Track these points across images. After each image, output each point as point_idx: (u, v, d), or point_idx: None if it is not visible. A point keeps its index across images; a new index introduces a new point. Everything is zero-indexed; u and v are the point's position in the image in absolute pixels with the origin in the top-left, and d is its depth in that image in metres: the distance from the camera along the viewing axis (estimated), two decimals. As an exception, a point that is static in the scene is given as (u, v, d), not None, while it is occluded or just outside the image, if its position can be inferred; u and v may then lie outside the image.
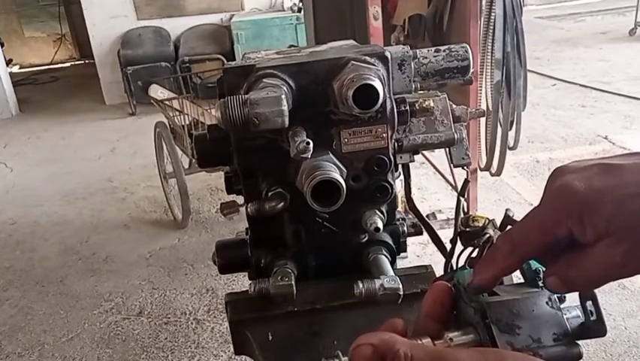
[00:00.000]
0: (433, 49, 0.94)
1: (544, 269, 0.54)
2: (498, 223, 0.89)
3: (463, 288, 0.53)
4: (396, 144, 0.91)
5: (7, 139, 6.37)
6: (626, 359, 2.30)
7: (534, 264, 0.56)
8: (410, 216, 1.06)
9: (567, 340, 0.50)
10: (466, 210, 3.46)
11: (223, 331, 2.70)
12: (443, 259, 1.06)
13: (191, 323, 2.80)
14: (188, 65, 6.69)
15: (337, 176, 0.77)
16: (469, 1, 2.85)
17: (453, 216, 1.05)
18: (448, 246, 1.07)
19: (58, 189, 4.70)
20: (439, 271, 1.02)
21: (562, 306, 0.52)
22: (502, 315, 0.50)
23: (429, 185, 3.95)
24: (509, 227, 0.58)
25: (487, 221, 0.83)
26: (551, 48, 8.01)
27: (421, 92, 0.94)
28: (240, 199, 0.95)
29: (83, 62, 10.40)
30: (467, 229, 0.84)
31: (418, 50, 0.93)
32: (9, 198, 4.69)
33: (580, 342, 0.52)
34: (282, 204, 0.85)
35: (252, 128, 0.73)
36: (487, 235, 0.88)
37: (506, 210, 0.78)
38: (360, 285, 0.79)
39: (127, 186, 4.60)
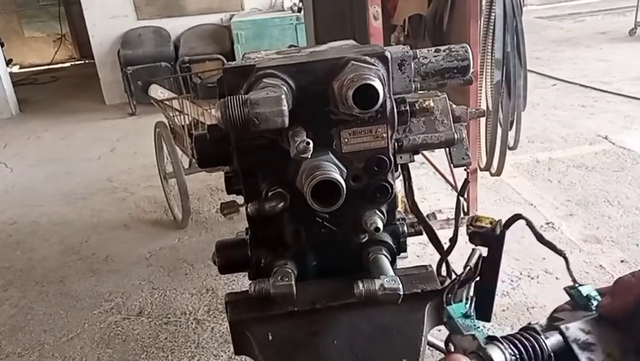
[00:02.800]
0: (433, 49, 0.94)
1: (595, 294, 0.59)
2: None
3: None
4: (396, 144, 0.91)
5: (7, 139, 6.37)
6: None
7: (585, 290, 0.60)
8: (410, 216, 1.06)
9: (633, 353, 0.54)
10: (466, 210, 3.48)
11: (223, 331, 2.70)
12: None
13: (191, 323, 2.80)
14: (188, 65, 6.67)
15: (337, 176, 0.77)
16: (469, 1, 2.85)
17: (453, 216, 1.05)
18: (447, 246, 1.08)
19: (58, 189, 4.70)
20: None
21: None
22: (578, 335, 0.56)
23: (429, 185, 3.95)
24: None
25: (494, 221, 0.83)
26: (551, 48, 8.01)
27: (421, 92, 0.94)
28: (240, 199, 0.95)
29: (83, 62, 10.40)
30: (480, 230, 0.84)
31: (418, 50, 0.93)
32: (9, 198, 4.69)
33: None
34: (282, 204, 0.85)
35: (252, 128, 0.73)
36: (478, 253, 0.88)
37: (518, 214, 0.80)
38: (360, 285, 0.79)
39: (127, 186, 4.60)
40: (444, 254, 1.02)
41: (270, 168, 0.86)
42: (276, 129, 0.75)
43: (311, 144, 0.74)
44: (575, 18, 10.13)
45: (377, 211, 0.89)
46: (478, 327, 0.58)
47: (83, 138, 6.15)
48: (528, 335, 0.55)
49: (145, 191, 4.45)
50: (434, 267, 0.97)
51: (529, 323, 0.60)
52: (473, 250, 0.92)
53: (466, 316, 0.60)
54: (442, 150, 0.99)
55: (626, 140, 4.48)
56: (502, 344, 0.54)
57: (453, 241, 1.03)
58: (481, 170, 3.18)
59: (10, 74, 7.97)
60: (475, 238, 0.87)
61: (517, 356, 0.53)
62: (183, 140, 3.59)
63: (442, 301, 0.90)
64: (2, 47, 7.88)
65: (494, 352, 0.52)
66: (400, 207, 2.66)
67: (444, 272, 1.05)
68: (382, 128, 0.85)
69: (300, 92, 0.82)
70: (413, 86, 0.90)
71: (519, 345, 0.54)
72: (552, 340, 0.55)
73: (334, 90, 0.80)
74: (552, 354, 0.54)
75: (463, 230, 1.01)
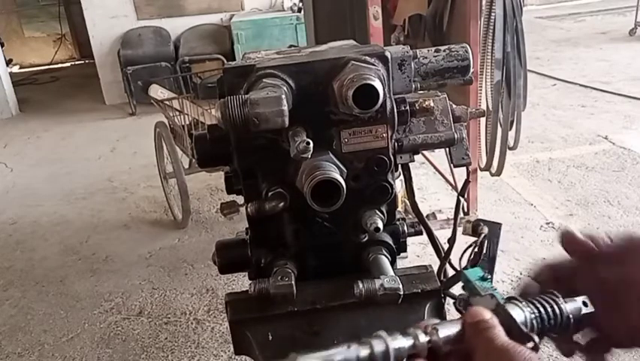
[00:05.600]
0: (433, 49, 0.94)
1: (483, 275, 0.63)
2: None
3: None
4: (396, 144, 0.91)
5: (7, 139, 6.36)
6: (626, 359, 2.30)
7: (472, 274, 0.61)
8: (410, 216, 1.06)
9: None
10: (466, 210, 3.49)
11: (223, 331, 2.70)
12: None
13: (191, 323, 2.80)
14: (188, 65, 6.69)
15: (337, 176, 0.77)
16: (469, 1, 2.85)
17: (453, 216, 1.06)
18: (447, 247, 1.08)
19: (58, 189, 4.70)
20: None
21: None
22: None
23: (429, 185, 3.95)
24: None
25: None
26: (551, 48, 8.01)
27: (421, 92, 0.94)
28: (240, 199, 0.95)
29: (83, 62, 10.40)
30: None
31: (418, 50, 0.93)
32: (9, 198, 4.69)
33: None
34: (282, 204, 0.85)
35: (252, 128, 0.73)
36: (483, 234, 0.91)
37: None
38: (360, 285, 0.79)
39: (127, 186, 4.59)
40: (444, 258, 1.03)
41: (270, 168, 0.86)
42: (276, 129, 0.75)
43: (311, 144, 0.74)
44: (575, 18, 10.13)
45: (377, 211, 0.89)
46: (495, 289, 0.58)
47: (83, 138, 6.15)
48: (547, 298, 0.55)
49: (145, 191, 4.45)
50: (434, 267, 0.97)
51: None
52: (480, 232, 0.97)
53: (483, 279, 0.60)
54: (442, 150, 0.99)
55: (626, 140, 4.48)
56: (521, 302, 0.54)
57: (452, 241, 1.03)
58: (481, 170, 3.18)
59: (10, 74, 7.97)
60: (477, 227, 0.91)
61: (537, 316, 0.53)
62: (183, 140, 3.59)
63: (441, 301, 0.90)
64: (2, 47, 7.87)
65: (514, 310, 0.53)
66: (400, 207, 2.66)
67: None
68: (382, 128, 0.85)
69: (300, 92, 0.82)
70: (413, 86, 0.90)
71: (538, 305, 0.54)
72: (571, 305, 0.55)
73: (334, 90, 0.80)
74: (570, 317, 0.54)
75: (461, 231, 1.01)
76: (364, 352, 0.49)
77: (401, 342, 0.50)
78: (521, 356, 0.47)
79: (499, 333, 0.50)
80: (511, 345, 0.48)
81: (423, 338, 0.51)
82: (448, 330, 0.52)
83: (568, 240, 0.62)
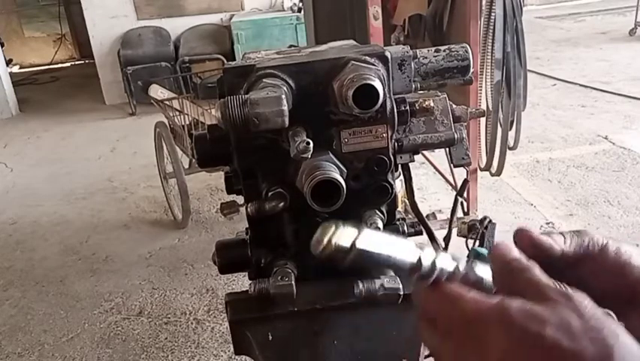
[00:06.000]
0: (433, 49, 0.94)
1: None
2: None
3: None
4: (396, 144, 0.91)
5: (7, 139, 6.36)
6: None
7: (481, 250, 0.60)
8: (410, 216, 1.06)
9: None
10: (466, 209, 3.49)
11: (223, 331, 2.70)
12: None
13: (191, 323, 2.80)
14: (188, 65, 6.69)
15: (337, 176, 0.77)
16: (469, 1, 2.85)
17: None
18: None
19: (58, 189, 4.70)
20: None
21: None
22: None
23: (429, 185, 3.95)
24: None
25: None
26: (551, 48, 8.01)
27: (421, 92, 0.94)
28: (240, 199, 0.95)
29: (83, 62, 10.40)
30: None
31: (418, 50, 0.93)
32: (9, 198, 4.69)
33: None
34: (282, 204, 0.85)
35: (252, 128, 0.73)
36: (487, 221, 0.92)
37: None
38: (360, 285, 0.79)
39: (127, 186, 4.60)
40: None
41: (270, 168, 0.86)
42: (276, 129, 0.75)
43: (311, 144, 0.74)
44: (575, 18, 10.13)
45: (377, 211, 0.89)
46: None
47: (83, 138, 6.14)
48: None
49: (145, 191, 4.45)
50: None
51: None
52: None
53: None
54: (442, 150, 1.00)
55: (626, 140, 4.48)
56: None
57: (447, 239, 1.04)
58: (481, 170, 3.18)
59: (10, 74, 7.96)
60: (473, 228, 0.93)
61: None
62: (183, 140, 3.59)
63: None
64: (2, 47, 7.87)
65: None
66: (400, 207, 2.66)
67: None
68: (382, 128, 0.85)
69: (300, 92, 0.82)
70: (413, 86, 0.90)
71: None
72: None
73: (334, 90, 0.80)
74: None
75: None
76: (412, 258, 0.47)
77: (446, 263, 0.48)
78: (583, 300, 0.40)
79: (543, 274, 0.43)
80: (570, 290, 0.41)
81: (462, 267, 0.49)
82: (482, 271, 0.49)
83: (524, 240, 0.53)
